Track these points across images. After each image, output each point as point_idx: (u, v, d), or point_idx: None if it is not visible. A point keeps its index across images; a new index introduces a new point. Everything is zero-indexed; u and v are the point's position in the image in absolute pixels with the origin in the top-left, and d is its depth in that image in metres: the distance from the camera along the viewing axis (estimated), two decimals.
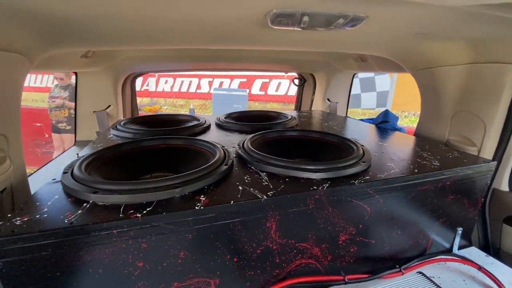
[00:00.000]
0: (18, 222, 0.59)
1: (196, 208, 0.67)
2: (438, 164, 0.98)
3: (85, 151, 1.03)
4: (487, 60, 1.07)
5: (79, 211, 0.64)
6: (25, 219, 0.61)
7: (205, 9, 0.72)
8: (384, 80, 6.39)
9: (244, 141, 1.11)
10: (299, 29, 0.76)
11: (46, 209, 0.65)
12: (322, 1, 0.60)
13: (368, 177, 0.86)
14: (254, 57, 2.08)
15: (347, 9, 0.65)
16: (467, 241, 1.15)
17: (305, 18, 0.68)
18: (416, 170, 0.92)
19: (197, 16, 0.78)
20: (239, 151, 1.02)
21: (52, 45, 0.89)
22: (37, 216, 0.62)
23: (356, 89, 6.29)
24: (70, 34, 0.86)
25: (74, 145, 2.08)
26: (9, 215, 0.62)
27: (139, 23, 0.84)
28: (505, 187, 1.23)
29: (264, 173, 0.87)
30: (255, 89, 9.85)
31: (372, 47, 1.29)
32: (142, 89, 10.56)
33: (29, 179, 1.00)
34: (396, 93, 6.27)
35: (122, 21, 0.80)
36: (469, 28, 0.86)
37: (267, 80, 9.69)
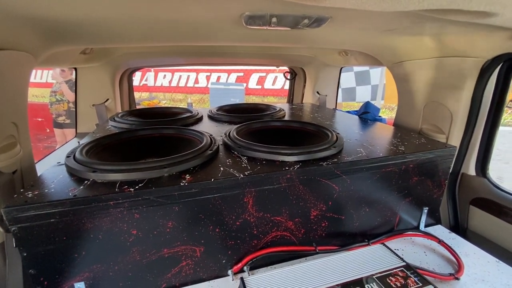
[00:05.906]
0: (29, 195, 0.70)
1: (181, 184, 0.78)
2: (403, 149, 1.09)
3: (85, 140, 1.14)
4: (450, 54, 1.16)
5: (81, 187, 0.75)
6: (36, 192, 0.72)
7: (188, 11, 0.82)
8: (378, 74, 6.47)
9: (231, 130, 1.22)
10: (271, 28, 0.86)
11: (53, 185, 0.76)
12: (285, 6, 0.70)
13: (336, 160, 0.97)
14: (245, 52, 2.17)
15: (308, 11, 0.75)
16: (435, 220, 1.26)
17: (274, 19, 0.78)
18: (381, 154, 1.03)
19: (182, 18, 0.89)
20: (225, 139, 1.13)
21: (55, 44, 1.00)
22: (46, 190, 0.73)
23: (351, 82, 6.35)
24: (71, 34, 0.97)
25: (75, 136, 2.19)
26: (21, 190, 0.73)
27: (132, 24, 0.95)
28: (472, 171, 1.34)
29: (245, 157, 0.98)
30: (252, 83, 9.88)
31: (348, 43, 1.38)
32: (141, 84, 10.61)
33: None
34: (390, 87, 6.34)
35: (117, 23, 0.91)
36: (425, 26, 0.95)
37: (263, 74, 9.73)
